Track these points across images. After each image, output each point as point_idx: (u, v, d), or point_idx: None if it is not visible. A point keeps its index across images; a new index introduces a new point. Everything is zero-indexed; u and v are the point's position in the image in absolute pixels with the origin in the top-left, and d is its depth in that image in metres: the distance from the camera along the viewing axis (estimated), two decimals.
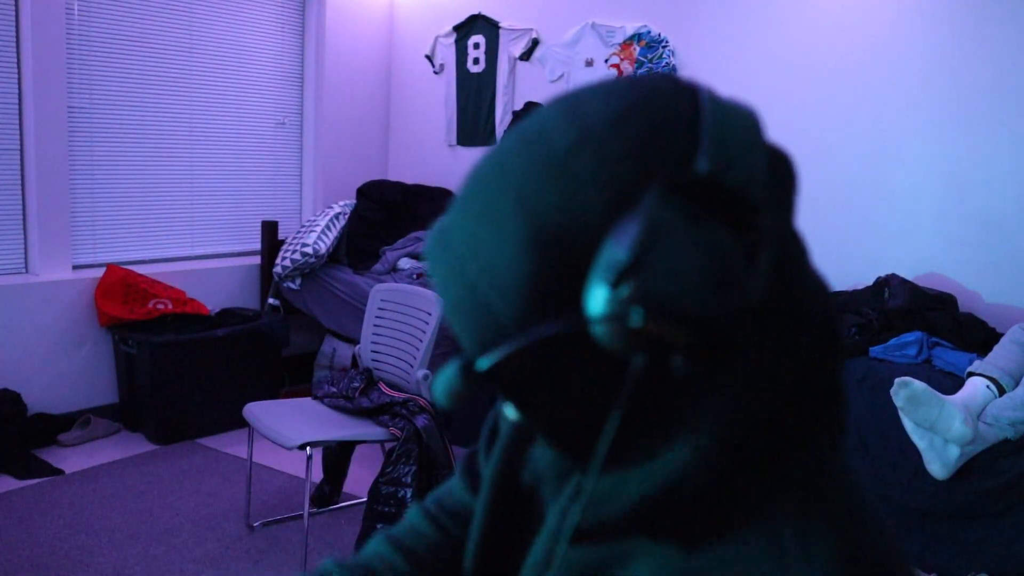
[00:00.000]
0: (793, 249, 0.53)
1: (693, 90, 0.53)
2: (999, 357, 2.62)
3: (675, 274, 0.46)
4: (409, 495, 2.67)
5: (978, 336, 2.94)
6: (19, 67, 3.64)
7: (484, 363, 0.52)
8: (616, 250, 0.47)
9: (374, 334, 3.13)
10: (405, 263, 4.41)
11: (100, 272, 3.89)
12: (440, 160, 5.00)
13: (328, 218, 4.35)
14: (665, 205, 0.47)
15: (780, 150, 0.54)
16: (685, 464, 0.52)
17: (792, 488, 0.53)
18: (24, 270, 3.76)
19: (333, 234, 4.30)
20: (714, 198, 0.47)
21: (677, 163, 0.49)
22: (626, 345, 0.47)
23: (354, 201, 4.60)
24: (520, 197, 0.51)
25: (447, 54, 4.89)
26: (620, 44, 4.21)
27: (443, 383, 0.54)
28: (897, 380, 2.49)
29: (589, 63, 4.33)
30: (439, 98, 4.97)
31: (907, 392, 2.48)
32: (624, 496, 0.54)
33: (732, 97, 0.54)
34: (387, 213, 4.65)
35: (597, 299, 0.47)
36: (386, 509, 2.68)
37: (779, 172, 0.53)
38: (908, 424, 2.52)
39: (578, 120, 0.51)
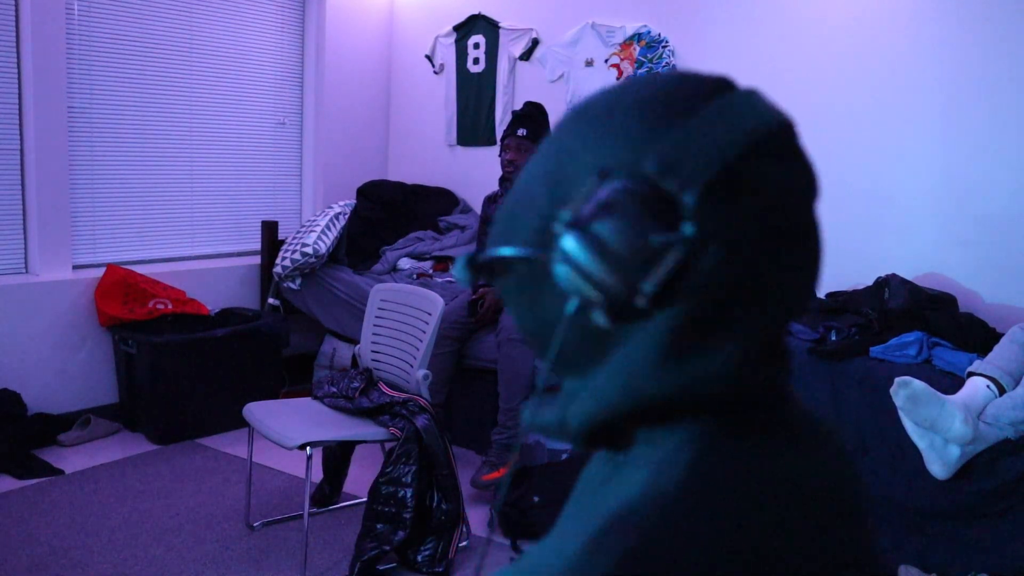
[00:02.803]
0: (732, 253, 0.57)
1: (711, 92, 0.60)
2: (999, 357, 2.62)
3: (600, 244, 0.56)
4: (409, 495, 2.67)
5: (978, 336, 2.94)
6: (19, 67, 3.64)
7: (482, 256, 0.64)
8: (582, 208, 0.57)
9: (374, 334, 3.14)
10: (405, 263, 4.41)
11: (100, 272, 3.89)
12: (440, 160, 5.00)
13: (328, 218, 4.35)
14: (620, 186, 0.56)
15: (793, 176, 0.60)
16: (621, 384, 0.60)
17: (714, 415, 0.60)
18: (24, 270, 3.76)
19: (333, 234, 4.30)
20: (653, 196, 0.55)
21: (642, 153, 0.58)
22: (566, 285, 0.58)
23: (354, 201, 4.60)
24: (558, 141, 0.64)
25: (447, 54, 4.89)
26: (620, 44, 4.21)
27: (459, 270, 0.65)
28: (897, 379, 2.49)
29: (589, 63, 4.33)
30: (439, 98, 4.97)
31: (907, 392, 2.47)
32: (576, 406, 0.63)
33: (760, 106, 0.59)
34: (387, 213, 4.65)
35: (561, 239, 0.58)
36: (386, 509, 2.68)
37: (739, 192, 0.57)
38: (908, 424, 2.52)
39: (617, 97, 0.62)
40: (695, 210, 0.55)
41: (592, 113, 0.62)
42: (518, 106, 4.62)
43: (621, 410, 0.60)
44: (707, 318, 0.58)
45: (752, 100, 0.60)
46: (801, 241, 0.60)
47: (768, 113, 0.59)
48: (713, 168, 0.55)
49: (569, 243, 0.57)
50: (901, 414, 2.52)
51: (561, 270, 0.58)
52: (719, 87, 0.62)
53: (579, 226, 0.56)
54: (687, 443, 0.59)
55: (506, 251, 0.63)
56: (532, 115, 3.53)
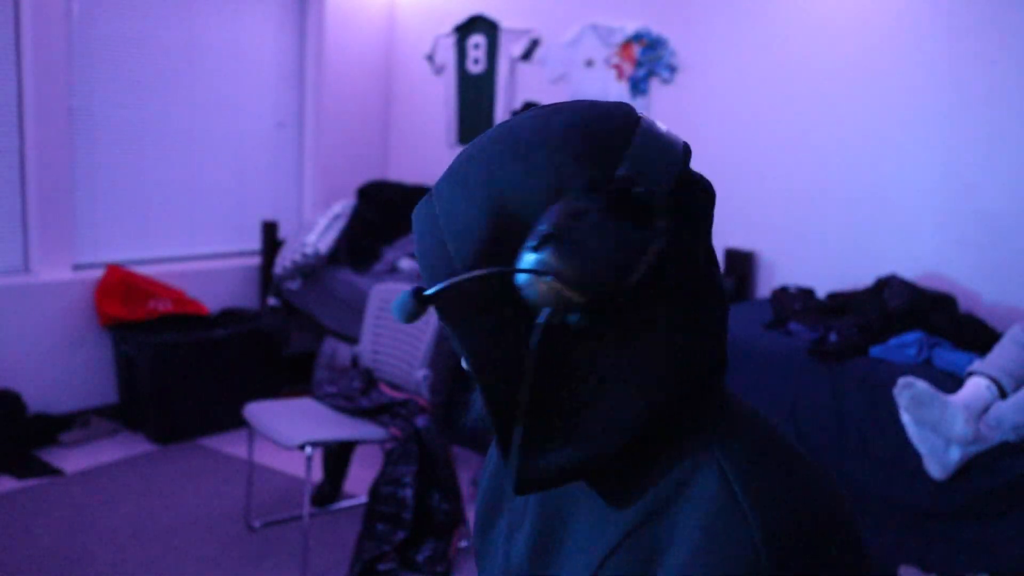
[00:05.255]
0: (694, 247, 0.66)
1: (635, 121, 0.67)
2: (999, 357, 2.62)
3: (579, 248, 0.61)
4: (409, 495, 2.67)
5: (978, 336, 2.94)
6: (19, 67, 3.64)
7: (431, 290, 0.66)
8: (543, 223, 0.62)
9: (374, 334, 3.14)
10: (405, 263, 4.41)
11: (100, 272, 3.89)
12: (440, 160, 4.99)
13: (328, 218, 4.35)
14: (585, 198, 0.62)
15: (700, 178, 0.69)
16: (605, 424, 0.66)
17: (705, 426, 0.68)
18: (24, 270, 3.76)
19: (333, 234, 4.30)
20: (624, 200, 0.62)
21: (601, 169, 0.64)
22: (537, 297, 0.62)
23: (354, 201, 4.60)
24: (489, 174, 0.67)
25: (447, 54, 4.90)
26: (620, 44, 4.21)
27: (399, 303, 0.66)
28: (900, 380, 2.49)
29: (589, 63, 4.33)
30: (439, 98, 4.97)
31: (911, 392, 2.48)
32: (555, 452, 0.67)
33: (667, 132, 0.68)
34: (387, 213, 4.65)
35: (523, 257, 0.63)
36: (386, 509, 2.68)
37: (693, 193, 0.67)
38: (910, 426, 2.52)
39: (543, 125, 0.67)
40: (665, 207, 0.63)
41: (522, 146, 0.67)
42: (518, 106, 4.63)
43: (644, 422, 0.66)
44: (689, 312, 0.66)
45: (651, 129, 0.68)
46: (709, 234, 0.69)
47: (676, 140, 0.68)
48: (673, 171, 0.64)
49: (544, 255, 0.61)
50: (903, 414, 2.53)
51: (530, 283, 0.62)
52: (631, 111, 0.69)
53: (552, 238, 0.61)
54: (712, 451, 0.66)
55: (465, 276, 0.64)
56: None
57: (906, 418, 2.53)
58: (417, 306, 0.66)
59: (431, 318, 2.94)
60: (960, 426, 2.44)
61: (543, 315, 0.63)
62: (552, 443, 0.68)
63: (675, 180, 0.64)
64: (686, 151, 0.67)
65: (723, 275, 3.78)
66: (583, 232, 0.61)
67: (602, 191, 0.63)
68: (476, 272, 0.65)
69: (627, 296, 0.62)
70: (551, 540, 0.76)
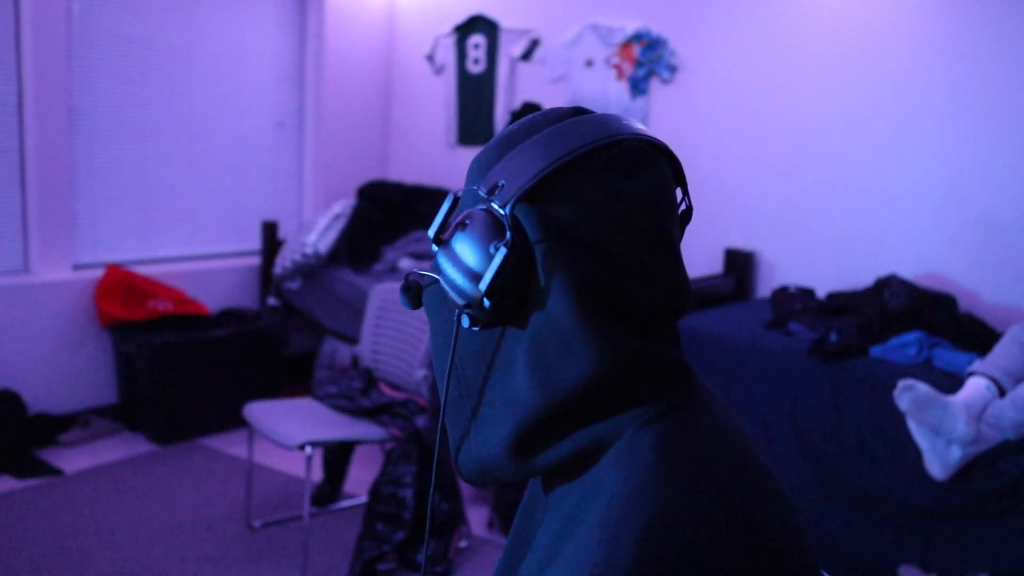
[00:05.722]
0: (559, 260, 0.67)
1: (548, 123, 0.70)
2: (999, 357, 2.62)
3: (452, 255, 0.67)
4: (409, 495, 2.67)
5: (978, 336, 2.94)
6: (19, 67, 3.64)
7: (406, 281, 0.74)
8: (451, 224, 0.69)
9: (374, 334, 3.13)
10: (405, 263, 4.40)
11: (100, 272, 3.89)
12: (440, 160, 5.00)
13: (328, 218, 4.35)
14: (472, 210, 0.68)
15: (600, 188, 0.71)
16: (528, 403, 0.68)
17: (638, 424, 0.67)
18: (24, 270, 3.76)
19: (333, 234, 4.30)
20: (489, 213, 0.67)
21: (483, 176, 0.71)
22: (449, 297, 0.69)
23: (354, 201, 4.60)
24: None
25: (447, 54, 4.90)
26: (620, 44, 4.21)
27: (400, 289, 0.75)
28: (901, 383, 2.49)
29: (589, 63, 4.33)
30: (439, 98, 4.97)
31: (911, 395, 2.47)
32: (494, 437, 0.70)
33: (562, 138, 0.68)
34: (387, 213, 4.65)
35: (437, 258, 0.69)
36: (386, 509, 2.68)
37: (556, 200, 0.67)
38: (913, 427, 2.53)
39: (499, 135, 0.73)
40: (514, 219, 0.66)
41: (483, 148, 0.74)
42: (517, 106, 4.63)
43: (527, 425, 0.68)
44: (562, 321, 0.66)
45: (581, 125, 0.68)
46: (637, 235, 0.67)
47: (586, 135, 0.67)
48: (523, 185, 0.66)
49: (440, 259, 0.68)
50: (906, 416, 2.53)
51: (442, 283, 0.69)
52: (566, 116, 0.71)
53: (442, 244, 0.69)
54: (635, 435, 0.66)
55: (417, 275, 0.73)
56: None
57: (908, 419, 2.53)
58: (404, 296, 0.75)
59: None
60: (961, 427, 2.44)
61: (455, 314, 0.70)
62: (479, 432, 0.71)
63: (531, 190, 0.66)
64: (577, 154, 0.67)
65: (723, 276, 3.80)
66: (458, 240, 0.67)
67: (479, 202, 0.69)
68: (416, 273, 0.73)
69: (498, 299, 0.66)
70: (516, 554, 0.78)
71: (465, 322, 0.68)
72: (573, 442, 0.67)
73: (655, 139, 0.72)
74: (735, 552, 0.59)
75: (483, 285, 0.65)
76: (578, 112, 0.72)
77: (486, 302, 0.66)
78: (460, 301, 0.67)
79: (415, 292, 0.75)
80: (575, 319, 0.65)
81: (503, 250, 0.65)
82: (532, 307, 0.67)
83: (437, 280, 0.71)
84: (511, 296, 0.67)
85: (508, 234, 0.65)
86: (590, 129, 0.68)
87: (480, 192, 0.68)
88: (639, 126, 0.71)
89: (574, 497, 0.68)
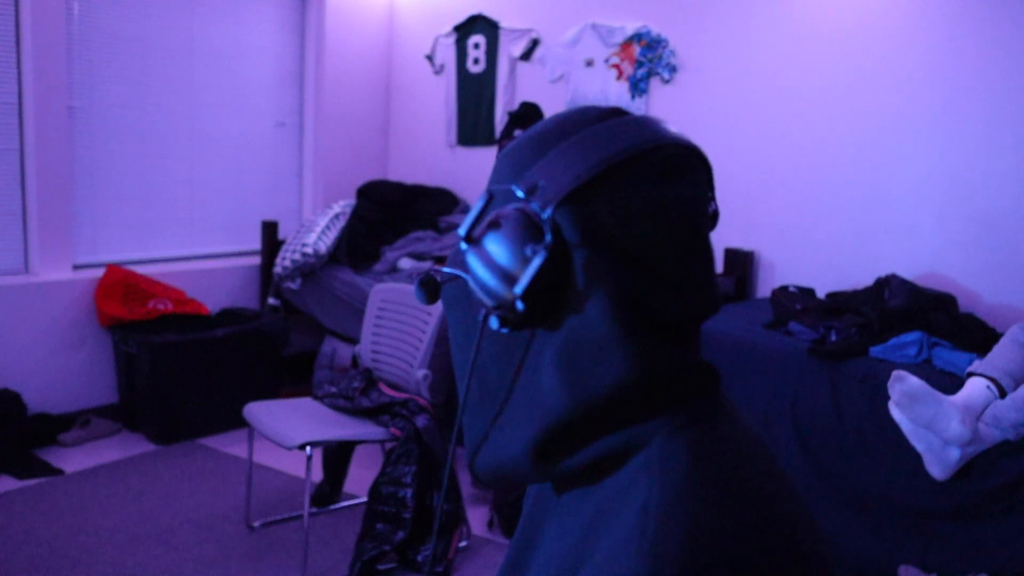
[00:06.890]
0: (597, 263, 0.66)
1: (586, 124, 0.69)
2: (999, 357, 2.62)
3: (483, 256, 0.65)
4: (409, 495, 2.67)
5: (978, 336, 2.94)
6: (19, 67, 3.64)
7: (424, 277, 0.72)
8: (478, 228, 0.66)
9: (374, 334, 3.13)
10: (405, 263, 4.40)
11: (100, 272, 3.89)
12: (440, 160, 5.00)
13: (328, 218, 4.35)
14: (505, 210, 0.65)
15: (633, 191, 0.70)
16: (549, 410, 0.66)
17: (664, 432, 0.65)
18: (24, 270, 3.76)
19: (333, 234, 4.30)
20: (527, 214, 0.65)
21: (518, 176, 0.69)
22: (476, 297, 0.67)
23: (354, 201, 4.60)
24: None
25: (447, 54, 4.89)
26: (620, 44, 4.21)
27: (416, 285, 0.73)
28: (894, 373, 2.47)
29: (589, 63, 4.33)
30: (439, 98, 4.97)
31: (903, 386, 2.45)
32: (515, 439, 0.68)
33: (607, 141, 0.67)
34: (387, 213, 4.65)
35: (466, 257, 0.67)
36: (386, 509, 2.68)
37: (597, 204, 0.66)
38: (905, 425, 2.50)
39: (530, 132, 0.71)
40: (553, 223, 0.65)
41: (514, 144, 0.72)
42: (517, 107, 4.62)
43: (557, 427, 0.66)
44: (595, 326, 0.65)
45: (621, 128, 0.67)
46: (676, 243, 0.67)
47: (628, 138, 0.66)
48: (564, 188, 0.64)
49: (470, 258, 0.66)
50: (895, 410, 2.48)
51: (470, 283, 0.66)
52: (603, 116, 0.70)
53: (473, 243, 0.66)
54: (666, 442, 0.65)
55: (441, 272, 0.71)
56: (528, 116, 3.53)
57: (897, 414, 2.49)
58: (423, 291, 0.73)
59: (430, 318, 2.94)
60: (955, 426, 2.42)
61: (480, 314, 0.68)
62: (499, 434, 0.70)
63: (573, 193, 0.65)
64: (618, 158, 0.66)
65: (723, 276, 3.80)
66: (491, 239, 0.65)
67: (515, 202, 0.67)
68: (441, 271, 0.71)
69: (532, 302, 0.64)
70: (522, 557, 0.77)
71: (494, 324, 0.66)
72: (599, 447, 0.67)
73: (694, 145, 0.70)
74: (773, 558, 0.59)
75: (519, 288, 0.63)
76: (615, 113, 0.70)
77: (520, 305, 0.64)
78: (489, 302, 0.65)
79: (433, 287, 0.73)
80: (612, 326, 0.64)
81: (542, 253, 0.63)
82: (566, 311, 0.66)
83: (458, 276, 0.70)
84: (544, 299, 0.65)
85: (548, 237, 0.64)
86: (631, 133, 0.67)
87: (518, 192, 0.66)
88: (676, 130, 0.70)
89: (593, 503, 0.67)
